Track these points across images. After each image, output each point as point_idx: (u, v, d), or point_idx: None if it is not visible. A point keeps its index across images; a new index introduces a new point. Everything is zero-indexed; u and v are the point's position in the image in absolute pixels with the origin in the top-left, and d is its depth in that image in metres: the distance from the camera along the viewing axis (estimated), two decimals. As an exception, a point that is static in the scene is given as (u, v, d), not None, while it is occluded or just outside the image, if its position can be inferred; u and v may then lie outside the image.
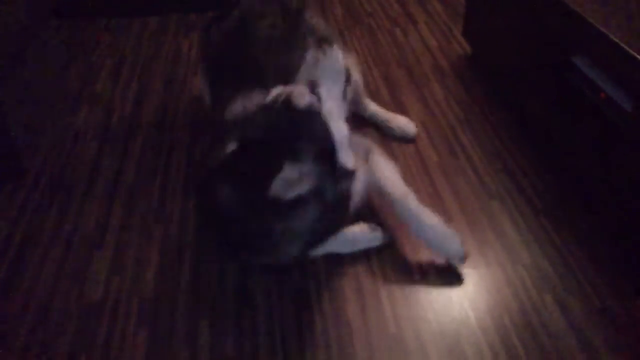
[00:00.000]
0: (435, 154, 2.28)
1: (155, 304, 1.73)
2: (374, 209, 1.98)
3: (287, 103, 1.52)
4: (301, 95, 1.54)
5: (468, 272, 1.82)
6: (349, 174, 1.62)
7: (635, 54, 1.62)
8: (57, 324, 1.68)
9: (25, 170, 2.20)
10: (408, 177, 2.15)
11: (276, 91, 1.58)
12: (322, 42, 1.75)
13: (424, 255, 1.87)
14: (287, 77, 1.72)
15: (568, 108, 2.01)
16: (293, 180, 1.46)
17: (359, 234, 1.88)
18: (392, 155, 2.25)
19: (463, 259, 1.79)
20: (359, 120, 2.36)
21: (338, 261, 1.86)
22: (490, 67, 2.71)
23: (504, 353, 1.61)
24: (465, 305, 1.73)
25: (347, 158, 1.61)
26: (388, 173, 1.89)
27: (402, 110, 2.51)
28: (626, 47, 1.65)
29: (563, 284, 1.78)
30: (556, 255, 1.87)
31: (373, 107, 2.43)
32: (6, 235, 1.95)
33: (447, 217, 2.00)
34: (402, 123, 2.39)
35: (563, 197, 2.07)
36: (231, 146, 1.53)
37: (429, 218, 1.79)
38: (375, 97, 2.59)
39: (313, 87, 1.63)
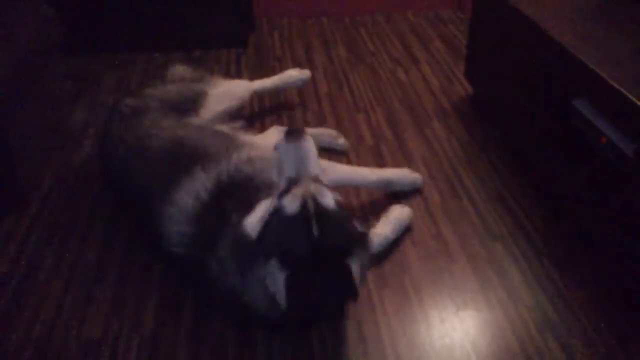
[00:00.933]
0: (437, 195, 2.29)
1: (154, 344, 1.71)
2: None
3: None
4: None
5: (470, 314, 1.81)
6: None
7: (635, 100, 1.64)
8: (56, 360, 1.66)
9: (28, 202, 2.20)
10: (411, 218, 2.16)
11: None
12: None
13: (426, 296, 1.87)
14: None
15: (569, 150, 2.03)
16: None
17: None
18: (396, 197, 2.27)
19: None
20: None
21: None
22: (492, 108, 2.74)
23: (506, 397, 1.60)
24: (468, 348, 1.72)
25: None
26: (342, 171, 2.17)
27: (403, 149, 2.53)
28: (626, 93, 1.68)
29: (566, 326, 1.77)
30: (558, 297, 1.86)
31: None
32: (7, 268, 1.94)
33: (450, 259, 2.00)
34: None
35: (565, 239, 2.07)
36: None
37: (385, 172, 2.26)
38: (378, 137, 2.61)
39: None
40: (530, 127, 2.29)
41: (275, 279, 1.45)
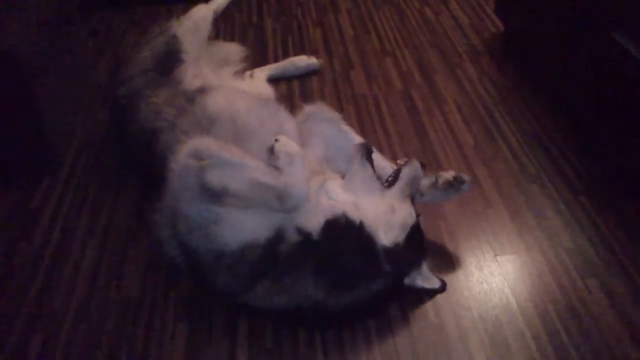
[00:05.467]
0: (471, 137, 2.24)
1: (192, 297, 1.73)
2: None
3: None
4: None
5: (508, 258, 1.79)
6: None
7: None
8: (98, 320, 1.69)
9: (60, 164, 2.21)
10: (444, 162, 2.12)
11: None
12: None
13: (463, 242, 1.84)
14: None
15: (609, 85, 1.94)
16: None
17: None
18: (429, 141, 2.22)
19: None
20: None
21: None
22: (525, 45, 2.63)
23: (546, 339, 1.58)
24: (506, 292, 1.69)
25: None
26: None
27: (434, 91, 2.46)
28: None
29: (606, 267, 1.74)
30: (599, 238, 1.82)
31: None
32: (45, 231, 1.97)
33: (486, 203, 1.96)
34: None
35: (604, 179, 2.01)
36: None
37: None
38: (408, 80, 2.55)
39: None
40: (567, 64, 2.20)
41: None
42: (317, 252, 1.53)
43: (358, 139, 1.87)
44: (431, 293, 1.68)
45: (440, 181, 1.78)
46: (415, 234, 1.61)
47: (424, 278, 1.66)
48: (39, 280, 1.80)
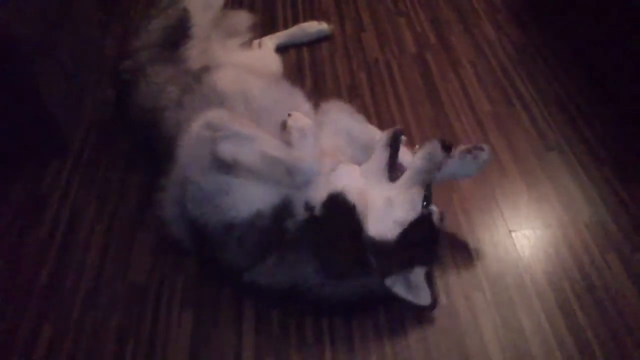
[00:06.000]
0: (487, 101, 2.13)
1: (199, 284, 1.70)
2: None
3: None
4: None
5: (524, 234, 1.72)
6: None
7: None
8: (106, 306, 1.68)
9: (68, 146, 2.18)
10: (459, 130, 2.04)
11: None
12: None
13: (476, 216, 1.77)
14: None
15: (638, 45, 1.81)
16: None
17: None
18: (442, 108, 2.13)
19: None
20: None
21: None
22: (548, 1, 2.47)
23: (562, 321, 1.52)
24: (521, 271, 1.63)
25: None
26: None
27: (449, 53, 2.35)
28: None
29: (629, 242, 1.66)
30: (621, 211, 1.73)
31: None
32: (54, 215, 1.95)
33: (502, 173, 1.88)
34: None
35: (630, 147, 1.90)
36: None
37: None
38: (422, 43, 2.43)
39: None
40: (593, 21, 2.06)
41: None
42: (317, 229, 1.50)
43: (373, 129, 1.82)
44: (413, 307, 1.52)
45: (457, 152, 1.66)
46: (414, 231, 1.50)
47: (413, 287, 1.50)
48: (47, 268, 1.79)
